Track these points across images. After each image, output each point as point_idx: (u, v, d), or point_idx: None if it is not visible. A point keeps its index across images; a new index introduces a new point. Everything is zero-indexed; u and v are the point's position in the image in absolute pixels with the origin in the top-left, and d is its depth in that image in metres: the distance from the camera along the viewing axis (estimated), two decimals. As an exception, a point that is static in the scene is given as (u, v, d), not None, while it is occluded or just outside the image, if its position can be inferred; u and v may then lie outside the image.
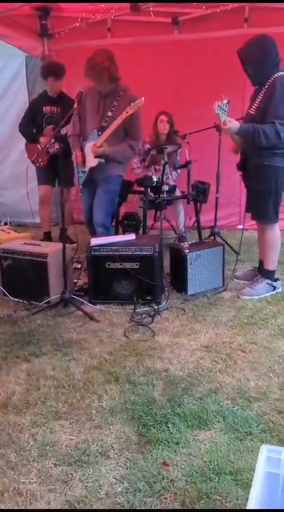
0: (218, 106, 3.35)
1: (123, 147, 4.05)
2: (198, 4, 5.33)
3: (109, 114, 4.00)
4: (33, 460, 2.05)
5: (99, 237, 4.04)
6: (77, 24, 5.85)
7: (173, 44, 5.75)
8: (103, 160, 4.04)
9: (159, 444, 2.12)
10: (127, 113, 3.80)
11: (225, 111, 3.42)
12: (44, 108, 5.07)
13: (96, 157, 4.03)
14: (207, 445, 2.12)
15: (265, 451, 1.45)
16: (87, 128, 4.15)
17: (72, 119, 4.15)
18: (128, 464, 2.01)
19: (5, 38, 5.52)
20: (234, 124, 3.49)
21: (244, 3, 5.32)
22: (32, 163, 5.20)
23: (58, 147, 4.85)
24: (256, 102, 3.54)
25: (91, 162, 4.08)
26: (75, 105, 3.70)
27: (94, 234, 4.23)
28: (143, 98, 3.76)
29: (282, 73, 3.42)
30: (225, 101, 3.39)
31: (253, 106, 3.59)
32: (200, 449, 2.09)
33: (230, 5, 5.34)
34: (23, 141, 5.35)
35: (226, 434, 2.18)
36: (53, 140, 4.87)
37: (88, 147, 4.09)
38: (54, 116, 5.03)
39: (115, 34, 5.90)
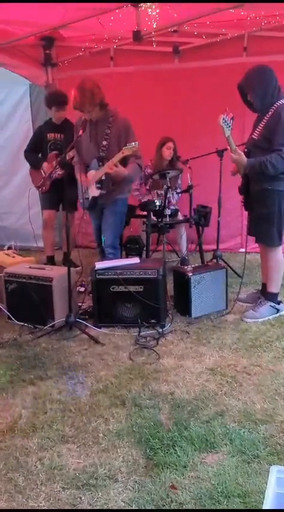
0: (223, 119, 3.42)
1: (134, 167, 4.11)
2: (198, 33, 5.48)
3: (104, 143, 4.09)
4: (41, 484, 2.05)
5: (108, 258, 4.09)
6: (81, 54, 6.00)
7: (174, 72, 5.89)
8: (104, 191, 4.11)
9: (167, 467, 2.12)
10: (123, 153, 3.88)
11: (229, 126, 3.47)
12: (48, 135, 5.18)
13: (98, 188, 4.10)
14: (214, 468, 2.12)
15: (275, 472, 1.46)
16: (84, 156, 4.25)
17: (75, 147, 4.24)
18: (136, 487, 2.01)
19: (9, 66, 5.66)
20: (242, 157, 3.60)
21: (243, 32, 5.47)
22: (37, 189, 5.29)
23: (61, 172, 4.94)
24: (259, 127, 3.62)
25: (94, 192, 4.15)
26: (80, 132, 3.77)
27: (104, 255, 4.28)
28: (137, 142, 3.86)
29: None
30: (230, 116, 3.44)
31: (256, 131, 3.68)
32: (208, 472, 2.09)
33: (230, 35, 5.49)
34: (26, 166, 5.45)
35: (233, 457, 2.18)
36: (56, 166, 4.94)
37: (90, 176, 4.17)
38: (58, 143, 5.13)
39: (117, 63, 6.05)
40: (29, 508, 1.92)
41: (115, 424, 2.48)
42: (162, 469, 2.11)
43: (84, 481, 2.05)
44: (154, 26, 4.89)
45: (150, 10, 4.45)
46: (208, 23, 5.27)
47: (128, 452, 2.25)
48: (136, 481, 2.05)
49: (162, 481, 2.04)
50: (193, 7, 4.56)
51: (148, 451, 2.25)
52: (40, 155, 5.26)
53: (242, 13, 4.87)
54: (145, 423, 2.47)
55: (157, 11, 4.51)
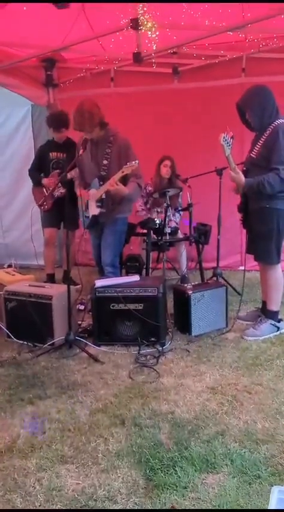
0: (223, 138, 3.46)
1: (134, 187, 4.14)
2: (197, 55, 5.57)
3: (105, 162, 4.13)
4: (39, 506, 2.02)
5: (107, 276, 4.08)
6: (82, 74, 6.09)
7: (173, 92, 5.96)
8: (104, 210, 4.13)
9: (167, 488, 2.09)
10: (122, 172, 3.91)
11: (230, 144, 3.52)
12: (51, 154, 5.24)
13: (98, 206, 4.13)
14: (215, 489, 2.09)
15: (276, 493, 1.44)
16: (85, 175, 4.28)
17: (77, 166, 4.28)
18: (136, 508, 1.98)
19: (11, 87, 5.73)
20: (240, 177, 3.64)
21: (241, 54, 5.56)
22: (38, 207, 5.32)
23: (63, 191, 4.97)
24: (257, 146, 3.67)
25: (94, 210, 4.18)
26: (80, 152, 3.81)
27: (103, 273, 4.28)
28: (137, 161, 3.91)
29: (282, 120, 3.57)
30: (230, 134, 3.50)
31: (254, 150, 3.72)
32: (208, 493, 2.06)
33: (228, 56, 5.58)
34: (28, 185, 5.50)
35: (234, 478, 2.15)
36: (58, 184, 4.98)
37: (91, 195, 4.20)
38: (60, 162, 5.19)
39: (118, 84, 6.13)
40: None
41: (114, 444, 2.45)
42: (162, 490, 2.08)
43: (83, 503, 2.02)
44: (154, 48, 4.97)
45: (150, 33, 4.53)
46: (206, 44, 5.37)
47: (128, 472, 2.22)
48: (136, 503, 2.02)
49: (162, 502, 2.01)
50: (192, 29, 4.66)
51: (148, 471, 2.22)
52: (43, 174, 5.30)
53: (240, 35, 4.96)
54: (145, 443, 2.44)
55: (157, 33, 4.59)
